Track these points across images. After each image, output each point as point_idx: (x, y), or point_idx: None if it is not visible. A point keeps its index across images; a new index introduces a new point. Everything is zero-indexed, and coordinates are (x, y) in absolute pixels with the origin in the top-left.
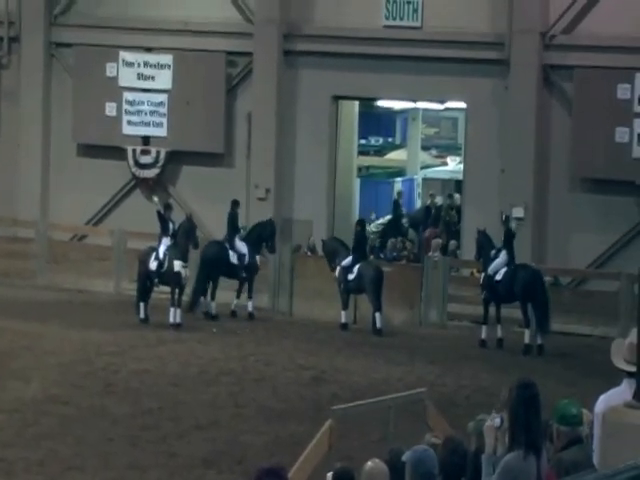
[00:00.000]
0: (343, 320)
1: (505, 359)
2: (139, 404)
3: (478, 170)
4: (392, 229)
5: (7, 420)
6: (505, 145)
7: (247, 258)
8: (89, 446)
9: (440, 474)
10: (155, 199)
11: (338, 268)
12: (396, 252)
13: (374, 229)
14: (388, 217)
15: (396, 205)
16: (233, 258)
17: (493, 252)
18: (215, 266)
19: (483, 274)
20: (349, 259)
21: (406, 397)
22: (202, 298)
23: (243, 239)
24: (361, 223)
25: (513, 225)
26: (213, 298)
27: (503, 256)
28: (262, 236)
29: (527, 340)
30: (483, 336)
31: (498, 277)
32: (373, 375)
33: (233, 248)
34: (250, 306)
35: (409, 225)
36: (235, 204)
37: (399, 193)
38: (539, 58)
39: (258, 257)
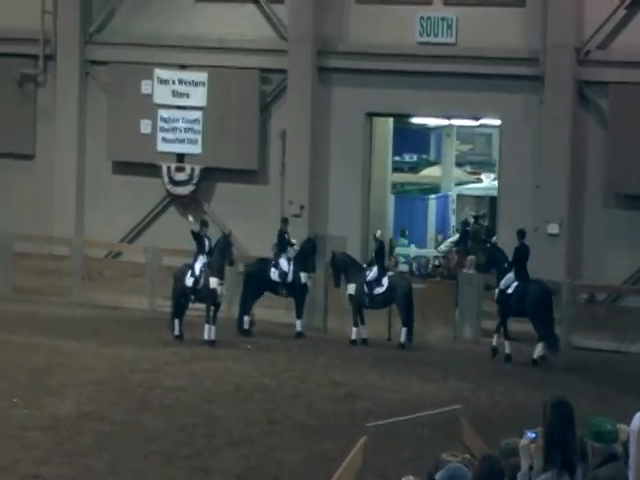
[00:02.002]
0: (354, 337)
1: (539, 376)
2: (173, 420)
3: (513, 186)
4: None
5: (42, 437)
6: (540, 161)
7: (290, 276)
8: (124, 462)
9: None
10: (190, 219)
11: (353, 285)
12: (429, 269)
13: (444, 248)
14: (456, 236)
15: (465, 225)
16: (274, 275)
17: (506, 265)
18: (256, 283)
19: (497, 289)
20: (374, 273)
21: (440, 414)
22: (246, 317)
23: (293, 257)
24: (380, 237)
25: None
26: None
27: (513, 271)
28: (306, 254)
29: (535, 355)
30: (508, 351)
31: (509, 291)
32: (407, 391)
33: (276, 265)
34: (298, 325)
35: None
36: (284, 222)
37: (471, 215)
38: (574, 74)
39: (304, 275)
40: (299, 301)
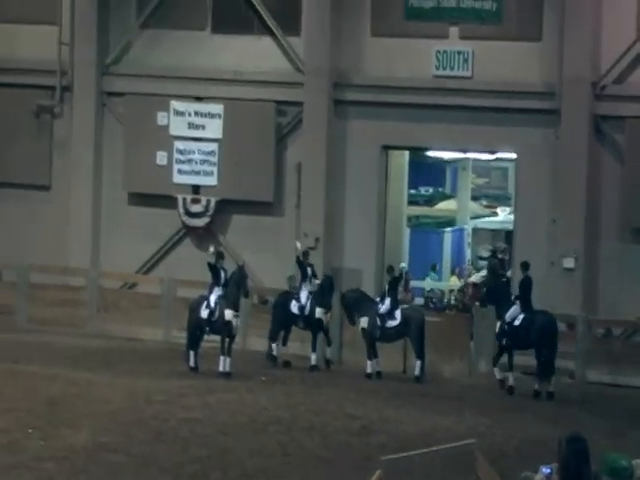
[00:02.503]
0: (369, 370)
1: (554, 410)
2: (188, 452)
3: (528, 220)
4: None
5: (57, 467)
6: (556, 195)
7: (307, 309)
8: None
9: None
10: (211, 250)
11: (365, 319)
12: (444, 302)
13: (475, 280)
14: (484, 272)
15: (493, 254)
16: (294, 308)
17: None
18: (279, 314)
19: (499, 322)
20: (387, 305)
21: (455, 448)
22: (273, 344)
23: (313, 291)
24: (391, 269)
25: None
26: (284, 344)
27: (518, 303)
28: (323, 291)
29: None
30: (511, 383)
31: (517, 323)
32: (422, 425)
33: (297, 298)
34: (313, 359)
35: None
36: (305, 254)
37: (488, 249)
38: (590, 108)
39: (319, 310)
40: (314, 335)
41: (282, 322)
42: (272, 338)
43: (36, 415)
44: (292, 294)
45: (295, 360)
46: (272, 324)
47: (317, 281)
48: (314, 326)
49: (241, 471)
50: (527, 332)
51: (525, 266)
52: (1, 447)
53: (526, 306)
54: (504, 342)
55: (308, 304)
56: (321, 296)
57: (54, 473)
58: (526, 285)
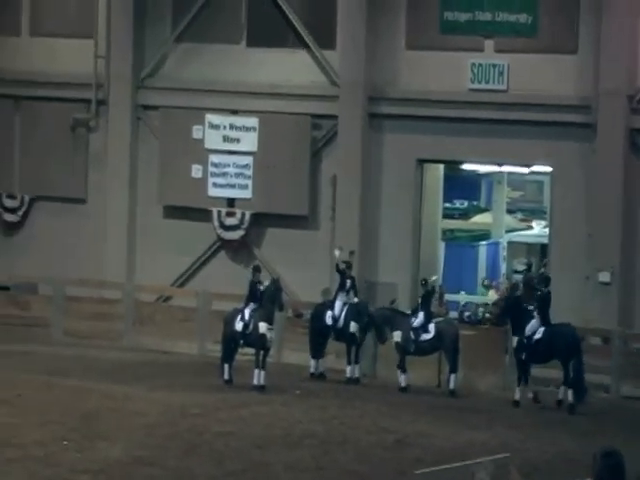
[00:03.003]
0: (403, 384)
1: (588, 425)
2: (223, 466)
3: (564, 234)
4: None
5: None
6: (591, 209)
7: (341, 322)
8: None
9: None
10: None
11: (399, 332)
12: (478, 316)
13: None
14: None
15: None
16: (328, 319)
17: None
18: (314, 326)
19: (517, 338)
20: (420, 319)
21: (489, 462)
22: (312, 361)
23: (349, 304)
24: (425, 282)
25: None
26: (322, 356)
27: (537, 317)
28: (359, 307)
29: (561, 396)
30: (517, 397)
31: (537, 336)
32: (456, 439)
33: (332, 307)
34: (348, 371)
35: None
36: (347, 265)
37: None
38: (626, 122)
39: (353, 324)
40: (348, 348)
41: (318, 334)
42: (312, 354)
43: (71, 428)
44: (327, 305)
45: (329, 373)
46: (309, 338)
47: (356, 299)
48: (347, 339)
49: None
50: (549, 345)
51: (546, 280)
52: (37, 460)
53: (545, 320)
54: (524, 357)
55: (342, 316)
56: (357, 310)
57: None
58: (546, 300)
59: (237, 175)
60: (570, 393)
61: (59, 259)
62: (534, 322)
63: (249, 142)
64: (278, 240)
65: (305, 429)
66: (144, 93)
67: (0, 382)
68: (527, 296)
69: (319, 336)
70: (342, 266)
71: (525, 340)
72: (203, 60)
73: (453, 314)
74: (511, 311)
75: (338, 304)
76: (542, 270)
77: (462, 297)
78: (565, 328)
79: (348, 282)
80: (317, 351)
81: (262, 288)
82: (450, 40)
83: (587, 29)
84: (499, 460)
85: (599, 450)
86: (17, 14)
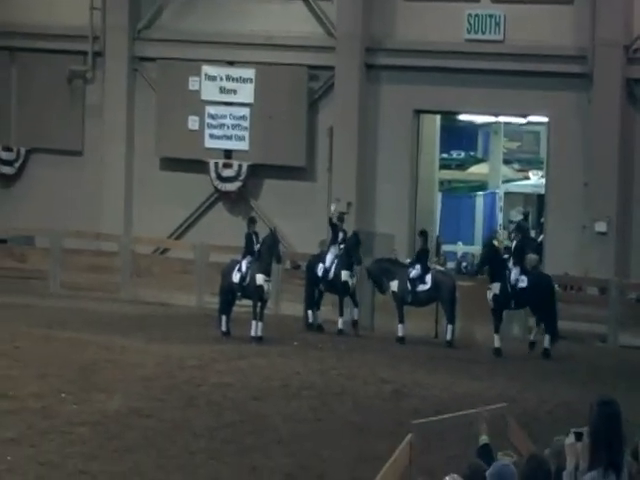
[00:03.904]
0: (400, 334)
1: (586, 375)
2: (221, 417)
3: (560, 184)
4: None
5: (90, 433)
6: (588, 159)
7: (332, 273)
8: (171, 459)
9: None
10: (332, 207)
11: (396, 282)
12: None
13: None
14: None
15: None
16: (320, 270)
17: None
18: (308, 278)
19: (499, 285)
20: (417, 270)
21: (487, 412)
22: (309, 311)
23: (339, 254)
24: (423, 234)
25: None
26: (318, 308)
27: (516, 266)
28: (349, 250)
29: (533, 337)
30: (497, 345)
31: (522, 284)
32: (454, 390)
33: (323, 261)
34: (340, 323)
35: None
36: (339, 218)
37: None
38: (622, 72)
39: (345, 273)
40: (340, 300)
41: (311, 285)
42: (306, 305)
43: (69, 380)
44: (320, 257)
45: (327, 325)
46: (305, 289)
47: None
48: (339, 289)
49: (274, 436)
50: (532, 293)
51: (523, 229)
52: (35, 412)
53: (524, 269)
54: (512, 304)
55: (333, 267)
56: (347, 258)
57: (87, 438)
58: (524, 248)
59: (234, 127)
60: (547, 338)
61: (56, 211)
62: (516, 270)
63: (246, 93)
64: (275, 191)
65: (303, 380)
66: (141, 45)
67: None
68: (524, 245)
69: (313, 287)
70: (335, 219)
71: (510, 288)
72: (200, 11)
73: (451, 265)
74: (490, 260)
75: (329, 256)
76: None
77: (459, 248)
78: (544, 276)
79: (340, 234)
80: (311, 302)
81: (257, 240)
82: None
83: None
84: (497, 410)
85: (596, 399)
86: None
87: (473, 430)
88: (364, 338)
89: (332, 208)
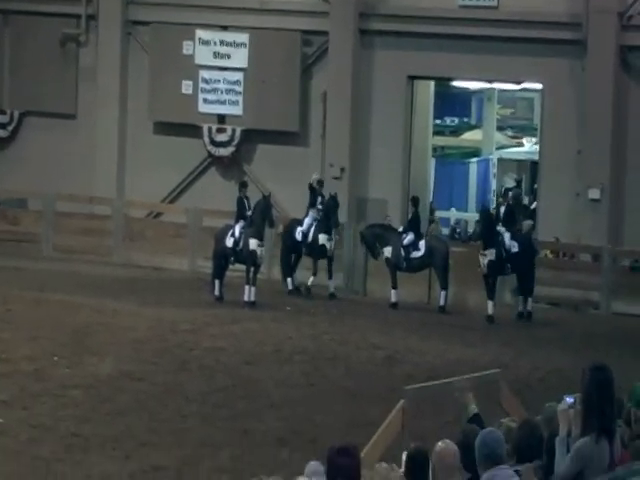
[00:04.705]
0: (394, 299)
1: (579, 342)
2: (213, 382)
3: (554, 151)
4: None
5: (83, 395)
6: (582, 126)
7: (310, 236)
8: (163, 423)
9: (514, 456)
10: (314, 176)
11: (389, 248)
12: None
13: None
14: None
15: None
16: (298, 235)
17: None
18: (286, 243)
19: (494, 250)
20: (410, 237)
21: (480, 378)
22: (289, 279)
23: (317, 218)
24: (415, 200)
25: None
26: (293, 271)
27: (507, 232)
28: (327, 213)
29: (521, 308)
30: (490, 312)
31: (514, 249)
32: (447, 356)
33: (301, 225)
34: (330, 286)
35: None
36: (319, 183)
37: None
38: (616, 39)
39: (323, 236)
40: (315, 262)
41: (289, 250)
42: (283, 272)
43: (61, 343)
44: (298, 221)
45: (320, 290)
46: (281, 253)
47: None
48: (317, 253)
49: (266, 401)
50: (522, 258)
51: (515, 196)
52: (27, 375)
53: (513, 233)
54: (506, 270)
55: (311, 231)
56: (326, 222)
57: (79, 401)
58: (513, 213)
59: (227, 91)
60: (529, 302)
61: (49, 175)
62: (507, 235)
63: (239, 58)
64: (269, 157)
65: (295, 345)
66: (134, 8)
67: None
68: (513, 210)
69: (290, 253)
70: (315, 183)
71: (504, 254)
72: None
73: (445, 231)
74: (487, 227)
75: (308, 220)
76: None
77: (453, 214)
78: (530, 240)
79: (319, 199)
80: (288, 269)
81: (249, 204)
82: None
83: None
84: (489, 376)
85: (588, 365)
86: None
87: (459, 401)
88: (356, 303)
89: (314, 176)
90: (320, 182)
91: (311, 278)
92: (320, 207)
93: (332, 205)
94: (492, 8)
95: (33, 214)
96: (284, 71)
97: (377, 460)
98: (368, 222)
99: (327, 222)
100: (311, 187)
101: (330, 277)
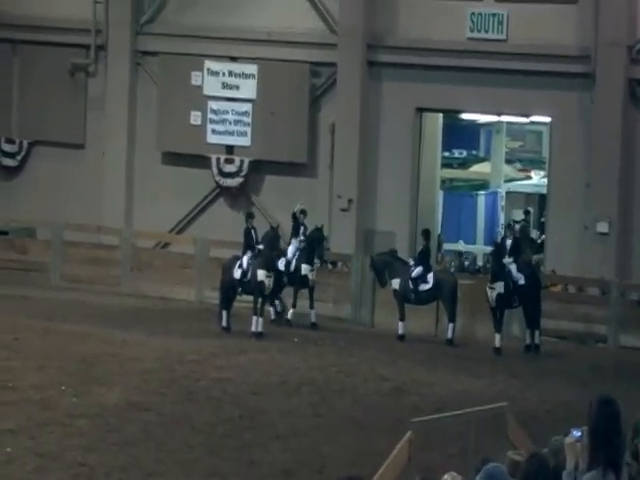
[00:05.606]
0: (401, 331)
1: (587, 374)
2: (220, 412)
3: (562, 184)
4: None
5: (90, 425)
6: (590, 159)
7: (292, 266)
8: (170, 453)
9: None
10: (298, 206)
11: (397, 280)
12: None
13: None
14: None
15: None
16: (281, 265)
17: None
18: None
19: (502, 283)
20: (419, 269)
21: (487, 411)
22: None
23: (301, 248)
24: (427, 233)
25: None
26: (275, 300)
27: (513, 264)
28: (312, 244)
29: (528, 341)
30: (498, 344)
31: (521, 282)
32: (454, 387)
33: (285, 255)
34: (312, 316)
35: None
36: (302, 212)
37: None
38: (625, 72)
39: (306, 267)
40: (295, 292)
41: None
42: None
43: (69, 373)
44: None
45: (327, 322)
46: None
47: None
48: (298, 283)
49: (273, 432)
50: (527, 290)
51: (523, 230)
52: (34, 404)
53: (519, 265)
54: (514, 302)
55: (294, 260)
56: (309, 252)
57: (86, 430)
58: (520, 246)
59: (236, 122)
60: (537, 334)
61: (57, 204)
62: (513, 268)
63: (248, 89)
64: (277, 187)
65: (303, 376)
66: (143, 39)
67: None
68: (524, 245)
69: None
70: (298, 213)
71: (512, 286)
72: (202, 6)
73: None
74: (497, 260)
75: (291, 249)
76: (543, 220)
77: (461, 246)
78: (535, 272)
79: (301, 229)
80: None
81: (256, 234)
82: None
83: None
84: (496, 409)
85: (596, 397)
86: None
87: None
88: (364, 335)
89: (298, 207)
90: (303, 212)
91: (291, 310)
92: (302, 238)
93: (317, 237)
94: (501, 41)
95: (41, 243)
96: (292, 102)
97: None
98: (375, 254)
99: (310, 252)
100: (294, 216)
101: (311, 307)
